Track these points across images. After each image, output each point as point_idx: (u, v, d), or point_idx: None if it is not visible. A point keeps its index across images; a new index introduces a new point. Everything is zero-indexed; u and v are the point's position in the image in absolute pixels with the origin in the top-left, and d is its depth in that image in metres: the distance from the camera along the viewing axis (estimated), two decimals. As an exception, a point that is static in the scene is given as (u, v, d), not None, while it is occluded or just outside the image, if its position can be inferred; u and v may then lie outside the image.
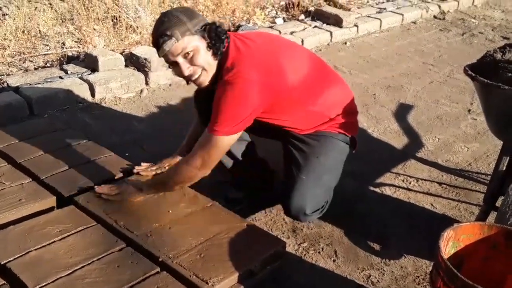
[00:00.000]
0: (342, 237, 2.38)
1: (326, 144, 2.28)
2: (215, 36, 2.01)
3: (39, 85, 3.35)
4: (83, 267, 1.89)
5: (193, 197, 2.32)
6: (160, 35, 1.98)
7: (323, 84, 2.25)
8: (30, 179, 2.39)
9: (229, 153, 2.39)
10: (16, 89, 3.27)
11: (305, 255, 2.24)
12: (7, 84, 3.31)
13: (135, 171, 2.41)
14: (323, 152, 2.27)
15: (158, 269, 1.91)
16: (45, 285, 1.79)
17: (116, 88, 3.57)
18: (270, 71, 2.04)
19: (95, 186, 2.28)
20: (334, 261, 2.22)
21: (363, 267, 2.20)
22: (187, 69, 2.03)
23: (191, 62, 2.02)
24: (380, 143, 3.27)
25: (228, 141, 2.04)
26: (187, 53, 1.99)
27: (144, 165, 2.46)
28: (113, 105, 3.50)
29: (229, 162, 2.44)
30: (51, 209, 2.24)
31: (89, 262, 1.92)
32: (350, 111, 2.37)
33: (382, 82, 4.23)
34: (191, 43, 1.97)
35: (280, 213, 2.49)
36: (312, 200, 2.25)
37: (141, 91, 3.68)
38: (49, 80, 3.44)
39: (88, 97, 3.48)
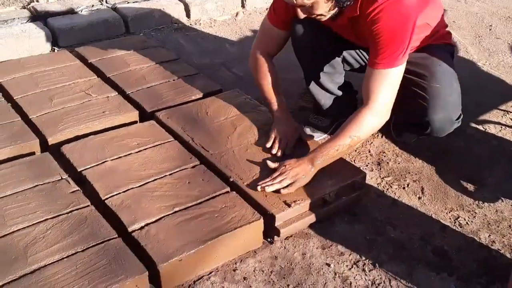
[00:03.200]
0: (432, 174, 2.18)
1: (440, 53, 2.11)
2: None
3: (136, 4, 3.35)
4: (154, 180, 1.89)
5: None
6: None
7: None
8: (116, 93, 2.41)
9: (328, 91, 2.28)
10: (114, 7, 3.30)
11: (387, 189, 2.08)
12: (106, 0, 3.33)
13: (273, 151, 2.02)
14: (442, 59, 2.09)
15: (228, 188, 1.86)
16: (116, 195, 1.81)
17: (211, 9, 3.49)
18: None
19: (258, 186, 1.83)
20: (419, 198, 2.05)
21: (452, 207, 2.00)
22: (302, 15, 1.85)
23: (309, 11, 1.83)
24: (489, 77, 2.94)
25: (402, 72, 1.87)
26: (304, 6, 1.79)
27: (272, 144, 2.06)
28: (207, 27, 3.44)
29: (327, 101, 2.31)
30: (133, 123, 2.26)
31: (162, 176, 1.91)
32: (444, 23, 2.22)
33: (501, 12, 3.78)
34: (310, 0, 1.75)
35: (365, 144, 2.33)
36: (454, 105, 2.07)
37: (237, 14, 3.57)
38: (146, -2, 3.43)
39: (183, 18, 3.44)
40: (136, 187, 1.85)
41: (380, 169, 2.19)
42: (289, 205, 1.78)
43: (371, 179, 2.13)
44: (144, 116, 2.31)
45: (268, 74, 2.15)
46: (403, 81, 1.99)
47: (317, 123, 2.36)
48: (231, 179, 1.90)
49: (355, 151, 2.30)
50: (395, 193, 2.06)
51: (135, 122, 2.28)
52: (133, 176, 1.90)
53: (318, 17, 1.87)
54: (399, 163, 2.23)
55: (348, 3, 1.81)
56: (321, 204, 1.86)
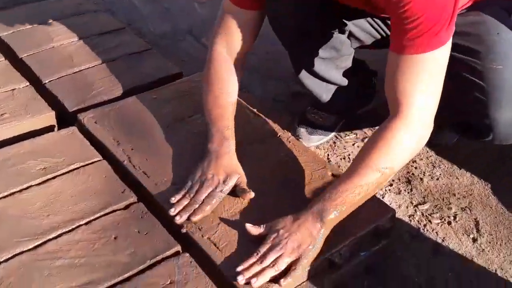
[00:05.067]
0: (488, 196, 1.48)
1: (495, 11, 1.32)
2: None
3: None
4: (60, 235, 1.18)
5: (259, 125, 1.51)
6: None
7: None
8: (27, 83, 1.68)
9: (329, 82, 1.56)
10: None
11: (425, 226, 1.39)
12: None
13: (171, 213, 1.20)
14: (500, 26, 1.30)
15: (178, 247, 1.17)
16: (-8, 268, 1.11)
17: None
18: None
19: (238, 275, 1.07)
20: (474, 240, 1.36)
21: (525, 255, 1.32)
22: None
23: None
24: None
25: (447, 53, 1.12)
26: None
27: (178, 197, 1.24)
28: (172, -20, 2.66)
29: (329, 94, 1.58)
30: (48, 131, 1.54)
31: (73, 227, 1.21)
32: None
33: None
34: None
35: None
36: None
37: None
38: None
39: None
40: (29, 249, 1.15)
41: (412, 190, 1.49)
42: (276, 281, 1.09)
43: (399, 207, 1.43)
44: (66, 118, 1.59)
45: (223, 83, 1.37)
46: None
47: (316, 121, 1.64)
48: (184, 230, 1.20)
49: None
50: (437, 233, 1.37)
51: (52, 128, 1.57)
52: (28, 228, 1.19)
53: None
54: (437, 179, 1.53)
55: None
56: (327, 268, 1.17)
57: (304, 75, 1.51)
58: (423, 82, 1.10)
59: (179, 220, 1.19)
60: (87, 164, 1.37)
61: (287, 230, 1.10)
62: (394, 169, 1.14)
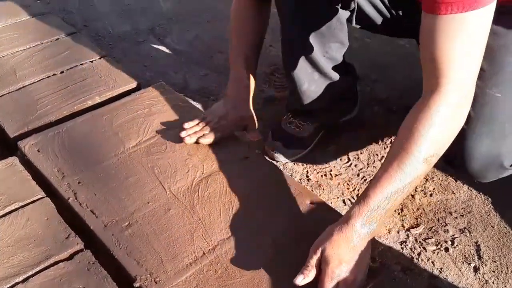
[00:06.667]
0: (488, 214, 1.31)
1: None
2: None
3: None
4: (-11, 301, 1.00)
5: (226, 143, 1.32)
6: None
7: None
8: (-39, 105, 1.48)
9: (316, 68, 1.34)
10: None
11: (419, 255, 1.22)
12: None
13: (183, 135, 1.27)
14: None
15: (129, 309, 0.99)
16: None
17: None
18: None
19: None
20: (475, 269, 1.19)
21: (535, 286, 1.15)
22: None
23: None
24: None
25: (487, 21, 0.91)
26: None
27: (191, 124, 1.30)
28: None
29: (312, 86, 1.37)
30: (-13, 160, 1.34)
31: (7, 286, 1.02)
32: None
33: None
34: None
35: (373, 159, 1.44)
36: None
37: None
38: None
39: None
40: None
41: (402, 210, 1.32)
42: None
43: (389, 233, 1.26)
44: (8, 144, 1.40)
45: (246, 27, 1.32)
46: None
47: (292, 131, 1.45)
48: (137, 284, 1.02)
49: (357, 174, 1.42)
50: (433, 263, 1.20)
51: (-9, 157, 1.37)
52: (-48, 292, 1.01)
53: None
54: (431, 195, 1.35)
55: None
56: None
57: (290, 57, 1.33)
58: (460, 44, 0.90)
59: (189, 140, 1.26)
60: (27, 204, 1.18)
61: (331, 266, 0.94)
62: (438, 156, 0.96)
